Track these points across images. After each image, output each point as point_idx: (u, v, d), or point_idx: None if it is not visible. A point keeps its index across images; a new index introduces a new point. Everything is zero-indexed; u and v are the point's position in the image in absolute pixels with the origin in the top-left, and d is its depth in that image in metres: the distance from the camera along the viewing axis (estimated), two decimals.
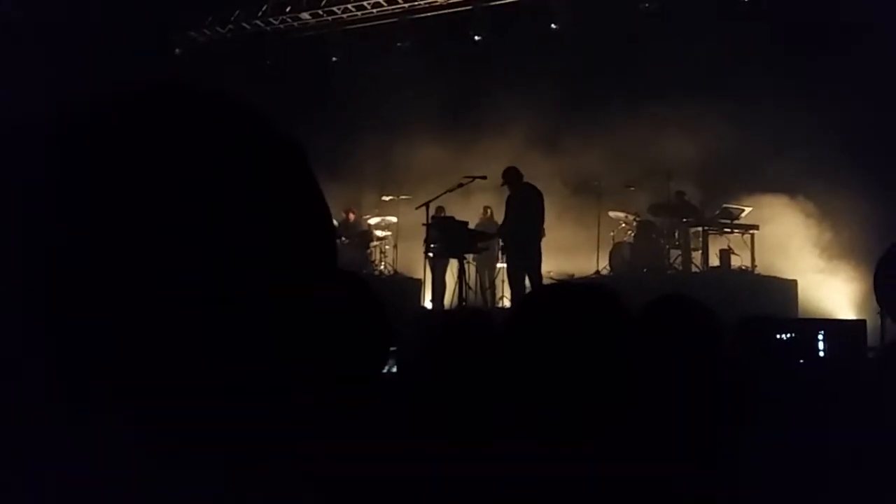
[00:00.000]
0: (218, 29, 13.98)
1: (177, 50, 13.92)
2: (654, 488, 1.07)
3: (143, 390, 0.51)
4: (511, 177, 8.83)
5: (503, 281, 10.44)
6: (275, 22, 13.71)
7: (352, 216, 11.58)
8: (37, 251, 0.51)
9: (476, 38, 12.29)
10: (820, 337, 4.16)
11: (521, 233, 8.50)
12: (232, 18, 13.77)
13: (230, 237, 0.54)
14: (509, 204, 8.79)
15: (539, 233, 8.58)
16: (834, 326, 5.39)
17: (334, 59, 13.39)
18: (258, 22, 13.74)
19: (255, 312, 0.54)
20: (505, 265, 10.21)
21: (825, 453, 1.38)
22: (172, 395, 0.52)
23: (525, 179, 8.87)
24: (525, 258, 8.42)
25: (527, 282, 8.38)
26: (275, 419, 0.56)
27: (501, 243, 9.20)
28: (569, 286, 1.32)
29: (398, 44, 12.79)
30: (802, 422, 1.44)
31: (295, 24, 13.72)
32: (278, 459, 0.55)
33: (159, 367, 0.51)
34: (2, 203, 0.53)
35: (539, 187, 8.90)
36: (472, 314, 1.61)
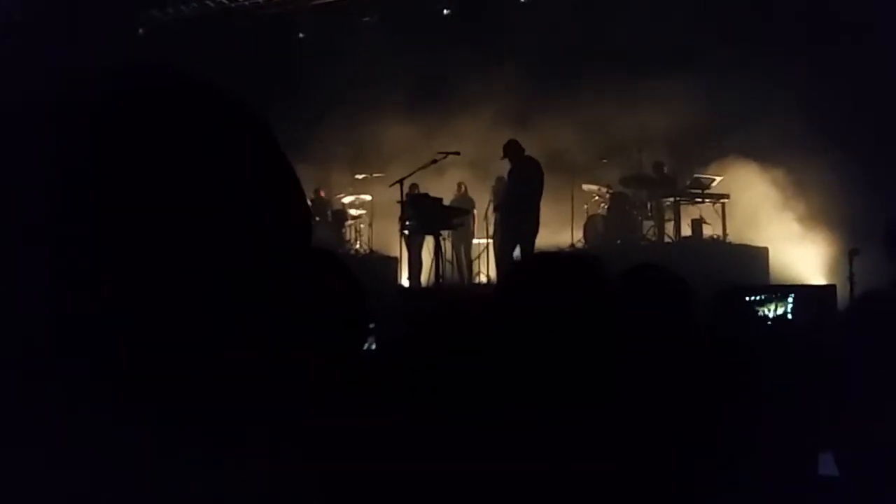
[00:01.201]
0: (181, 7, 13.69)
1: (140, 30, 13.62)
2: (637, 457, 1.09)
3: (128, 380, 0.51)
4: (512, 150, 8.81)
5: (479, 256, 10.47)
6: None
7: (322, 193, 11.50)
8: (32, 237, 0.51)
9: (445, 11, 12.18)
10: (789, 300, 4.25)
11: (522, 205, 8.51)
12: None
13: (208, 219, 0.53)
14: (511, 177, 8.78)
15: (539, 205, 8.61)
16: (804, 292, 5.49)
17: (301, 35, 13.19)
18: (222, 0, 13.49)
19: (237, 295, 0.54)
20: (482, 241, 10.24)
21: (795, 416, 1.41)
22: (161, 385, 0.51)
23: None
24: (524, 230, 8.44)
25: (516, 253, 8.41)
26: (264, 401, 0.56)
27: (496, 216, 9.18)
28: (557, 256, 1.32)
29: (365, 19, 12.64)
30: (775, 384, 1.47)
31: (260, 0, 13.49)
32: (268, 445, 0.55)
33: (144, 352, 0.51)
34: None
35: None
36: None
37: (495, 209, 9.17)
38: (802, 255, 9.87)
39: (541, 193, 8.67)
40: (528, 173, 8.63)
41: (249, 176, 0.56)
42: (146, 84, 0.56)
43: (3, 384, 0.50)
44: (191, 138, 0.55)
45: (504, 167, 9.01)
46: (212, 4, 13.58)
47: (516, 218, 8.57)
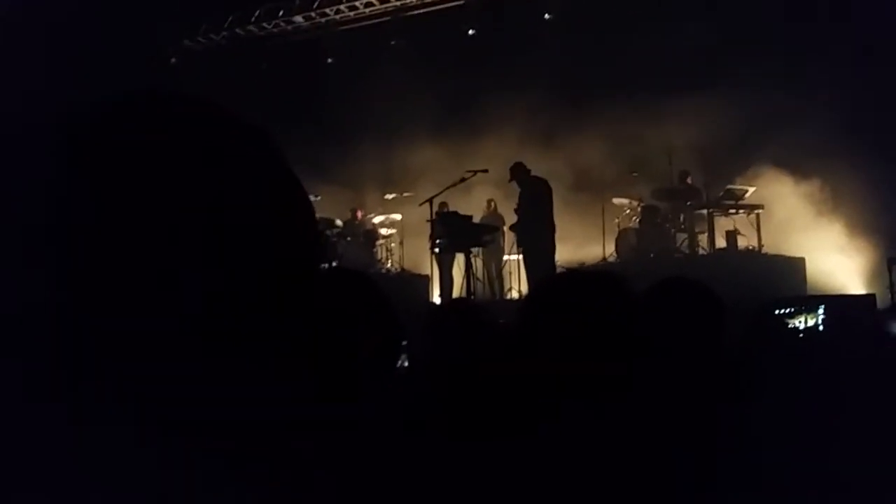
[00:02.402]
0: (212, 36, 14.01)
1: (172, 59, 13.96)
2: (656, 470, 1.09)
3: (147, 388, 0.52)
4: (518, 172, 8.86)
5: (510, 273, 10.45)
6: (268, 26, 13.74)
7: (358, 214, 11.62)
8: (34, 247, 0.53)
9: (470, 32, 12.27)
10: (820, 312, 4.16)
11: (535, 224, 8.54)
12: (225, 25, 13.80)
13: (218, 237, 0.55)
14: (520, 198, 8.84)
15: (551, 224, 8.62)
16: (841, 302, 5.37)
17: (330, 60, 13.40)
18: (252, 27, 13.76)
19: (254, 313, 0.55)
20: (512, 257, 10.23)
21: (825, 433, 1.39)
22: (175, 395, 0.52)
23: (533, 173, 8.89)
24: (539, 250, 8.46)
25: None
26: (290, 413, 0.57)
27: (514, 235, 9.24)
28: (578, 274, 1.33)
29: (392, 42, 12.79)
30: (804, 400, 1.46)
31: (289, 27, 13.74)
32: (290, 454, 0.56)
33: (160, 365, 0.52)
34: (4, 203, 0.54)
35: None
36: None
37: (511, 228, 9.22)
38: (840, 265, 9.68)
39: (550, 211, 8.69)
40: (534, 193, 8.66)
41: (250, 194, 0.57)
42: (145, 108, 0.58)
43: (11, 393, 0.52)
44: (190, 157, 0.56)
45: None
46: (242, 33, 13.88)
47: (529, 237, 8.60)
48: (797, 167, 9.85)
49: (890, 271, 7.67)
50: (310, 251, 0.60)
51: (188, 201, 0.55)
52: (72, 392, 0.52)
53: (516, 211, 8.98)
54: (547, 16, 11.77)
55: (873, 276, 9.14)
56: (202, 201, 0.55)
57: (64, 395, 0.52)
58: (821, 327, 4.02)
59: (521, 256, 9.67)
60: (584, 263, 9.34)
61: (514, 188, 9.11)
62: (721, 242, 9.72)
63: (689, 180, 10.13)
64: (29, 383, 0.52)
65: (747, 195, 9.79)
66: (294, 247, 0.59)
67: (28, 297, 0.53)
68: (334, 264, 8.81)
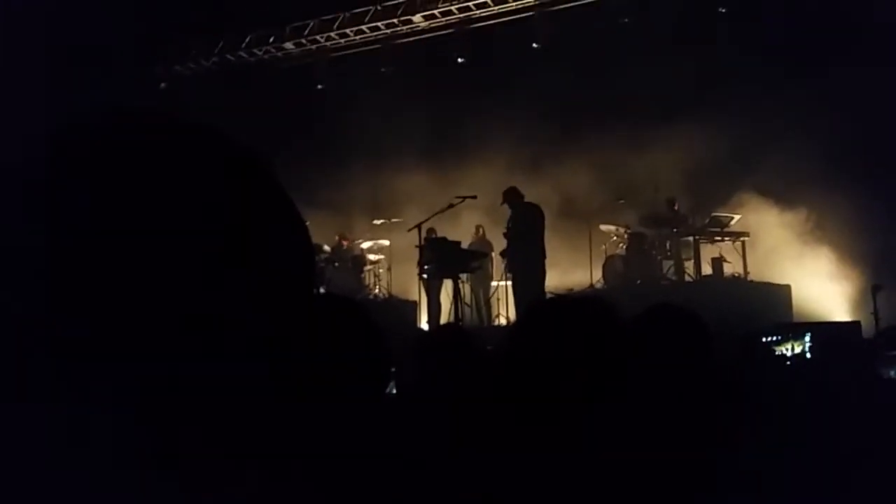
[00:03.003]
0: (202, 62, 14.07)
1: (162, 84, 13.99)
2: (648, 496, 1.09)
3: (150, 397, 0.53)
4: (511, 196, 8.90)
5: (498, 299, 10.45)
6: (259, 53, 13.82)
7: (345, 242, 11.60)
8: (35, 257, 0.53)
9: (459, 59, 12.41)
10: (807, 339, 4.20)
11: (525, 251, 8.57)
12: (216, 51, 13.87)
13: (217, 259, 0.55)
14: (512, 222, 8.87)
15: (542, 250, 8.65)
16: (827, 329, 5.41)
17: (320, 87, 13.48)
18: (242, 53, 13.84)
19: (249, 333, 0.56)
20: (500, 283, 10.24)
21: (814, 457, 1.40)
22: (167, 408, 0.53)
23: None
24: (529, 276, 8.47)
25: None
26: (281, 433, 0.57)
27: (503, 259, 9.25)
28: (567, 299, 1.34)
29: (382, 69, 12.90)
30: (793, 425, 1.47)
31: (279, 54, 13.83)
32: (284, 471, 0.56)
33: (162, 377, 0.53)
34: (7, 213, 0.55)
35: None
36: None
37: (501, 255, 9.23)
38: (826, 292, 9.76)
39: (542, 236, 8.72)
40: (526, 218, 8.70)
41: (246, 216, 0.58)
42: (140, 127, 0.59)
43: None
44: (186, 179, 0.57)
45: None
46: (232, 59, 13.95)
47: (520, 262, 8.62)
48: (781, 195, 9.97)
49: (874, 298, 7.75)
50: (305, 274, 0.61)
51: (186, 220, 0.55)
52: (67, 397, 0.52)
53: (505, 235, 9.01)
54: (535, 45, 11.92)
55: (858, 303, 9.22)
56: (200, 220, 0.56)
57: (60, 398, 0.52)
58: (808, 354, 4.05)
59: (509, 283, 9.68)
60: (572, 290, 9.37)
61: (503, 214, 9.16)
62: (707, 269, 9.79)
63: (675, 207, 10.22)
64: (28, 381, 0.52)
65: (733, 222, 9.88)
66: (289, 269, 0.59)
67: (19, 309, 0.53)
68: (322, 290, 8.79)
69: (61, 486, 0.51)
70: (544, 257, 8.65)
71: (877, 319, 7.43)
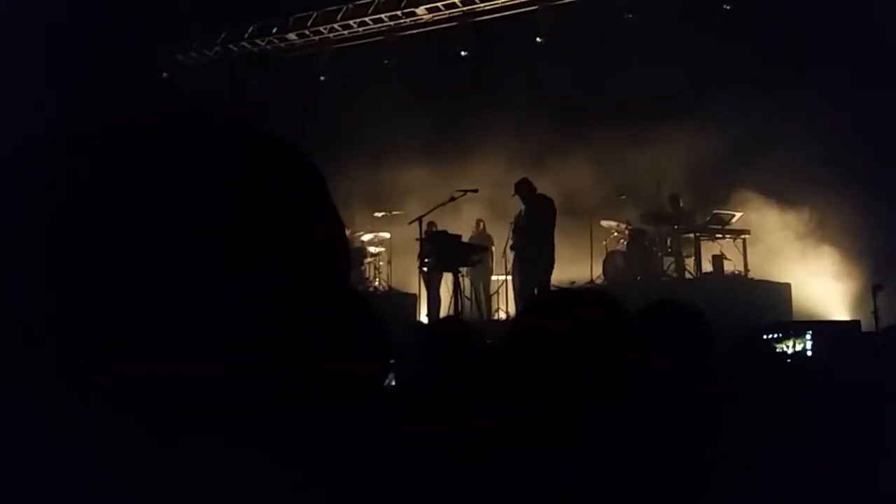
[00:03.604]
0: (205, 51, 14.04)
1: (164, 73, 13.96)
2: (648, 493, 1.08)
3: (148, 393, 0.52)
4: (523, 188, 8.87)
5: (498, 293, 10.45)
6: (261, 43, 13.78)
7: (347, 232, 11.59)
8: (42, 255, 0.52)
9: (462, 53, 12.37)
10: (808, 337, 4.20)
11: (535, 242, 8.55)
12: (218, 41, 13.84)
13: (248, 251, 0.55)
14: (524, 215, 8.85)
15: (552, 243, 8.63)
16: (828, 328, 5.41)
17: (322, 78, 13.45)
18: (245, 43, 13.80)
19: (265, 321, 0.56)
20: (500, 277, 10.23)
21: (813, 456, 1.40)
22: (177, 400, 0.52)
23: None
24: (539, 267, 8.46)
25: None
26: (277, 427, 0.57)
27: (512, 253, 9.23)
28: (572, 292, 1.33)
29: (385, 62, 12.87)
30: (794, 424, 1.46)
31: (282, 44, 13.80)
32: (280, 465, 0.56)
33: (163, 367, 0.52)
34: (14, 211, 0.54)
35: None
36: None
37: (511, 248, 9.19)
38: (826, 291, 9.75)
39: (553, 229, 8.70)
40: (539, 210, 8.67)
41: (293, 211, 0.58)
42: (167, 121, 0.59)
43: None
44: (219, 169, 0.57)
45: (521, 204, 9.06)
46: (235, 49, 13.91)
47: (530, 255, 8.59)
48: (782, 194, 9.95)
49: (874, 298, 7.74)
50: (338, 265, 0.61)
51: (218, 209, 0.55)
52: (68, 397, 0.51)
53: (513, 230, 8.98)
54: (539, 39, 11.89)
55: (858, 303, 9.22)
56: (233, 210, 0.55)
57: (63, 398, 0.51)
58: (809, 352, 4.04)
59: (509, 277, 9.66)
60: (574, 283, 9.36)
61: (504, 208, 9.13)
62: (707, 267, 9.78)
63: (680, 203, 10.20)
64: (30, 381, 0.52)
65: (734, 220, 9.87)
66: (323, 260, 0.59)
67: (27, 306, 0.52)
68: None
69: (61, 486, 0.51)
70: (553, 250, 8.63)
71: (877, 319, 7.42)
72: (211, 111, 0.61)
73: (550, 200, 8.84)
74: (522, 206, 8.93)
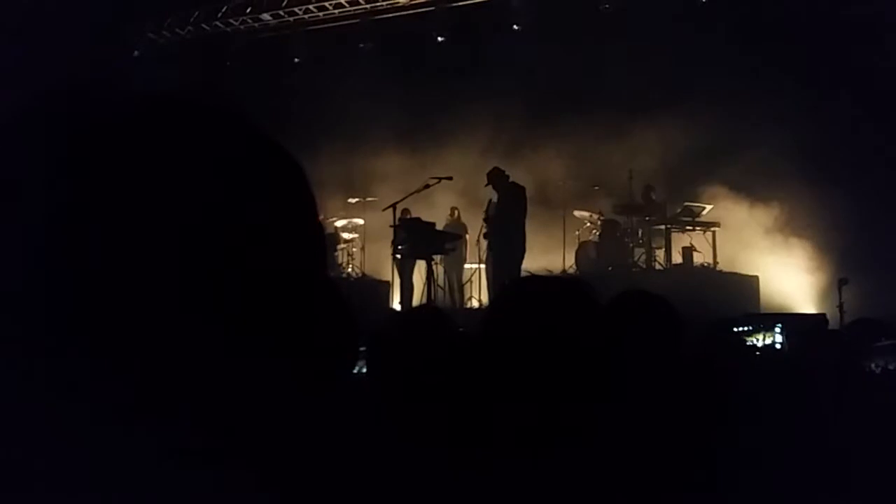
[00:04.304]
0: (177, 30, 13.79)
1: (136, 52, 13.69)
2: (621, 478, 1.09)
3: (129, 385, 0.51)
4: (495, 177, 8.88)
5: (471, 282, 10.47)
6: (235, 23, 13.57)
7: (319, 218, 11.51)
8: (36, 253, 0.51)
9: (439, 38, 12.30)
10: (777, 330, 4.28)
11: (508, 230, 8.57)
12: (191, 20, 13.60)
13: (228, 241, 0.54)
14: (496, 203, 8.87)
15: (523, 232, 8.67)
16: (796, 320, 5.51)
17: (296, 60, 13.29)
18: (218, 23, 13.58)
19: (245, 312, 0.55)
20: (473, 266, 10.26)
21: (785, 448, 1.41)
22: (157, 393, 0.52)
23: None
24: (510, 255, 8.49)
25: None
26: (252, 414, 0.56)
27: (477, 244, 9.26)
28: (546, 279, 1.33)
29: (361, 45, 12.75)
30: (766, 413, 1.48)
31: (256, 24, 13.60)
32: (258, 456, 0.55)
33: (147, 363, 0.51)
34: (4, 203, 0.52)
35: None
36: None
37: (484, 237, 9.21)
38: (792, 284, 9.93)
39: (524, 218, 8.74)
40: (511, 199, 8.70)
41: (271, 202, 0.57)
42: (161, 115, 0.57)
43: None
44: (211, 164, 0.56)
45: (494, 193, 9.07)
46: (208, 28, 13.69)
47: (502, 243, 8.63)
48: (751, 188, 10.09)
49: (840, 291, 7.89)
50: (314, 253, 0.60)
51: (205, 200, 0.54)
52: (68, 397, 0.51)
53: (485, 219, 8.99)
54: (516, 27, 11.86)
55: (824, 296, 9.40)
56: (220, 200, 0.55)
57: (62, 395, 0.51)
58: (777, 345, 4.11)
59: (482, 266, 9.68)
60: (550, 271, 9.42)
61: (479, 196, 9.14)
62: (677, 258, 9.90)
63: (652, 196, 10.29)
64: (32, 384, 0.51)
65: (704, 212, 9.99)
66: (299, 249, 0.58)
67: (32, 295, 0.51)
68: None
69: (62, 485, 0.50)
70: (524, 239, 8.67)
71: (841, 312, 7.57)
72: (184, 97, 0.59)
73: (522, 189, 8.86)
74: (495, 195, 8.95)
